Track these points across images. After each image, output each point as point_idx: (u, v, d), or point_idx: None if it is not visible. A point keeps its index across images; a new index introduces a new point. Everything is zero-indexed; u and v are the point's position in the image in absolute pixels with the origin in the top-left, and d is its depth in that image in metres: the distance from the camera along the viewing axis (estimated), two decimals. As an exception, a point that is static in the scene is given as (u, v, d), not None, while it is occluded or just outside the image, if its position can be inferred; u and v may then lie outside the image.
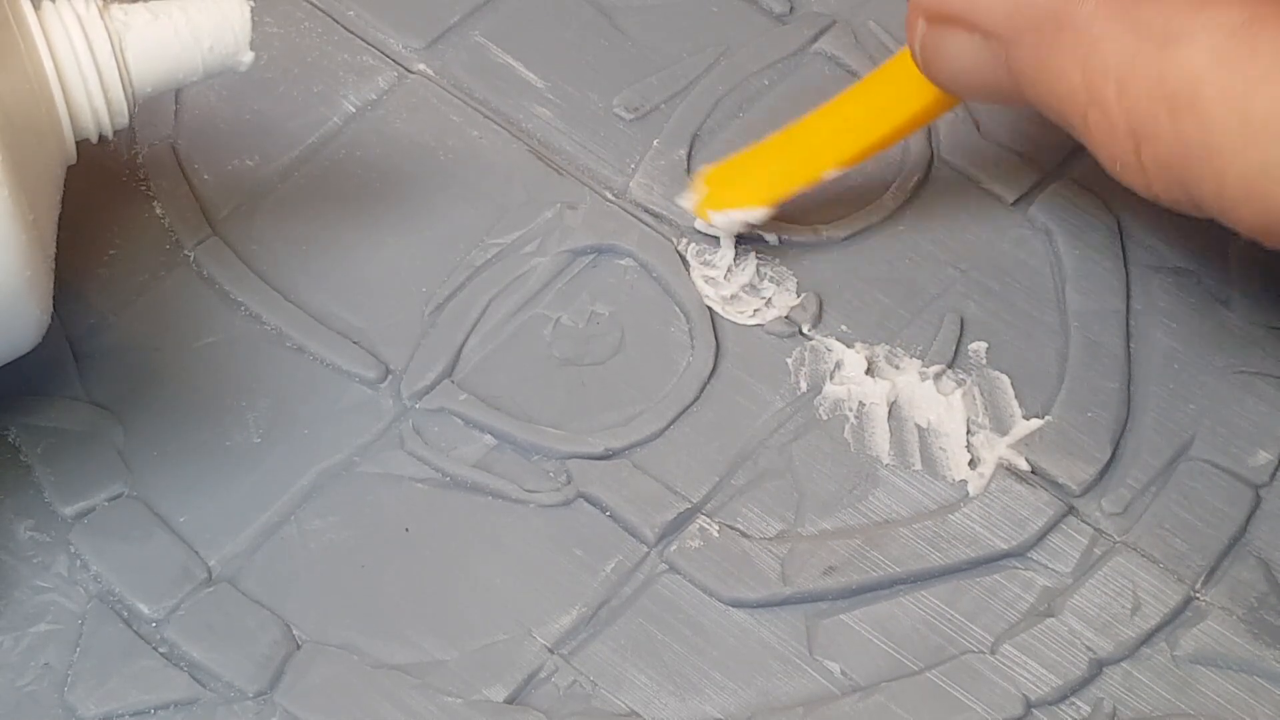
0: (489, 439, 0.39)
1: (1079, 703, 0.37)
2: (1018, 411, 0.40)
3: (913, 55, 0.38)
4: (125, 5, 0.36)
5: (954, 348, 0.40)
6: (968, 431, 0.39)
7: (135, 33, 0.36)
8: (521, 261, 0.41)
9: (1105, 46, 0.34)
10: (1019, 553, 0.38)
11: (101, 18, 0.35)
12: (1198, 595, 0.38)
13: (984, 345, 0.40)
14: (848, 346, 0.40)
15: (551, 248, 0.41)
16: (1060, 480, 0.39)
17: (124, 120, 0.36)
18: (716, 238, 0.42)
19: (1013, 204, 0.42)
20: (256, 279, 0.41)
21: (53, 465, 0.38)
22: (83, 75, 0.35)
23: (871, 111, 0.40)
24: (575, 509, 0.39)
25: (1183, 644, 0.37)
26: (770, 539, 0.38)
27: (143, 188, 0.42)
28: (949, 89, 0.38)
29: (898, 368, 0.40)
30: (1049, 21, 0.34)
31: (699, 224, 0.42)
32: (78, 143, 0.36)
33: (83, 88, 0.35)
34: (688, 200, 0.42)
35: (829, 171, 0.40)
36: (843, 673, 0.37)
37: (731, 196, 0.41)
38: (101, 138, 0.36)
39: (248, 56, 0.36)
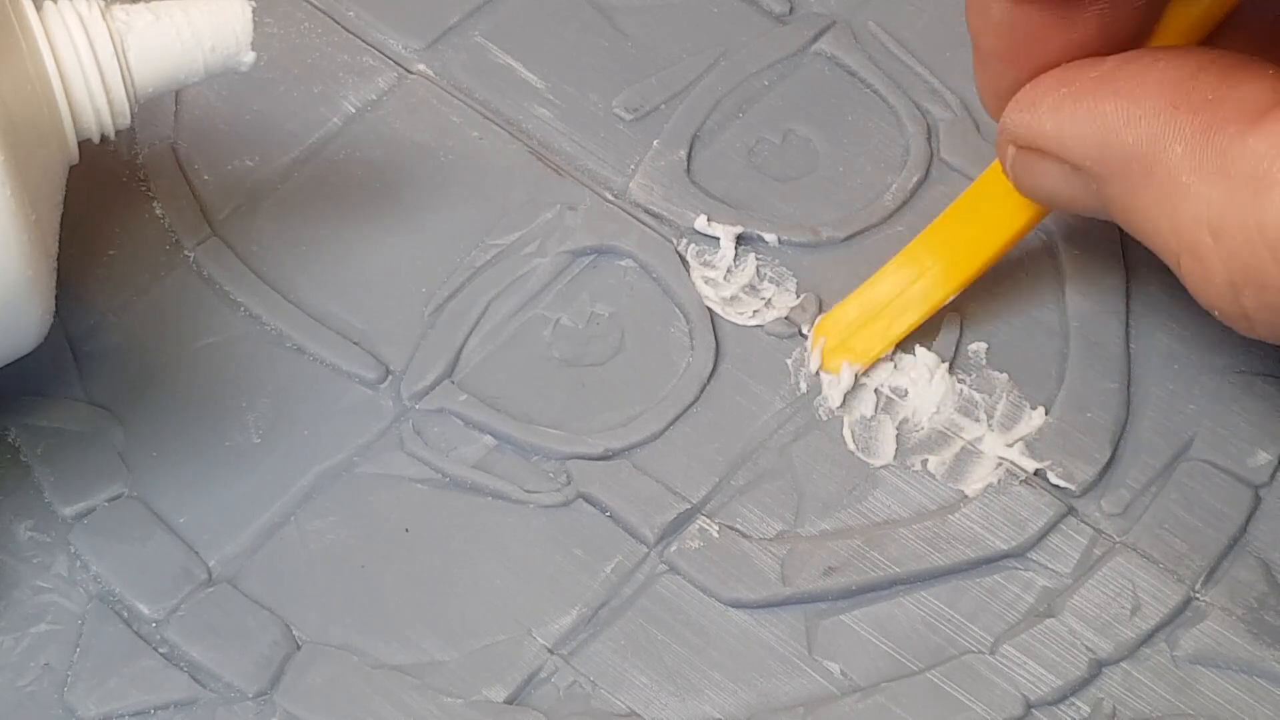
0: (489, 439, 0.39)
1: (1079, 703, 0.37)
2: (1018, 412, 0.40)
3: (1005, 172, 0.37)
4: (127, 6, 0.36)
5: (954, 348, 0.40)
6: (967, 432, 0.39)
7: (137, 33, 0.36)
8: (521, 262, 0.41)
9: (1195, 192, 0.32)
10: (1019, 553, 0.38)
11: (103, 18, 0.35)
12: (1197, 595, 0.38)
13: (984, 345, 0.40)
14: (847, 347, 0.40)
15: (551, 248, 0.41)
16: (1060, 480, 0.39)
17: (126, 121, 0.36)
18: (716, 238, 0.42)
19: (1012, 204, 0.42)
20: (256, 279, 0.41)
21: (53, 465, 0.38)
22: (85, 76, 0.35)
23: (975, 230, 0.39)
24: (575, 509, 0.39)
25: (1183, 644, 0.37)
26: (770, 539, 0.38)
27: (143, 188, 0.42)
28: (1044, 205, 0.38)
29: (898, 368, 0.40)
30: (1136, 164, 0.33)
31: (698, 224, 0.42)
32: (79, 143, 0.36)
33: (85, 88, 0.35)
34: (813, 359, 0.40)
35: (946, 301, 0.40)
36: (843, 673, 0.37)
37: (857, 346, 0.40)
38: (103, 138, 0.36)
39: (249, 57, 0.36)
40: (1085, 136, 0.34)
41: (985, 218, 0.39)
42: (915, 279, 0.40)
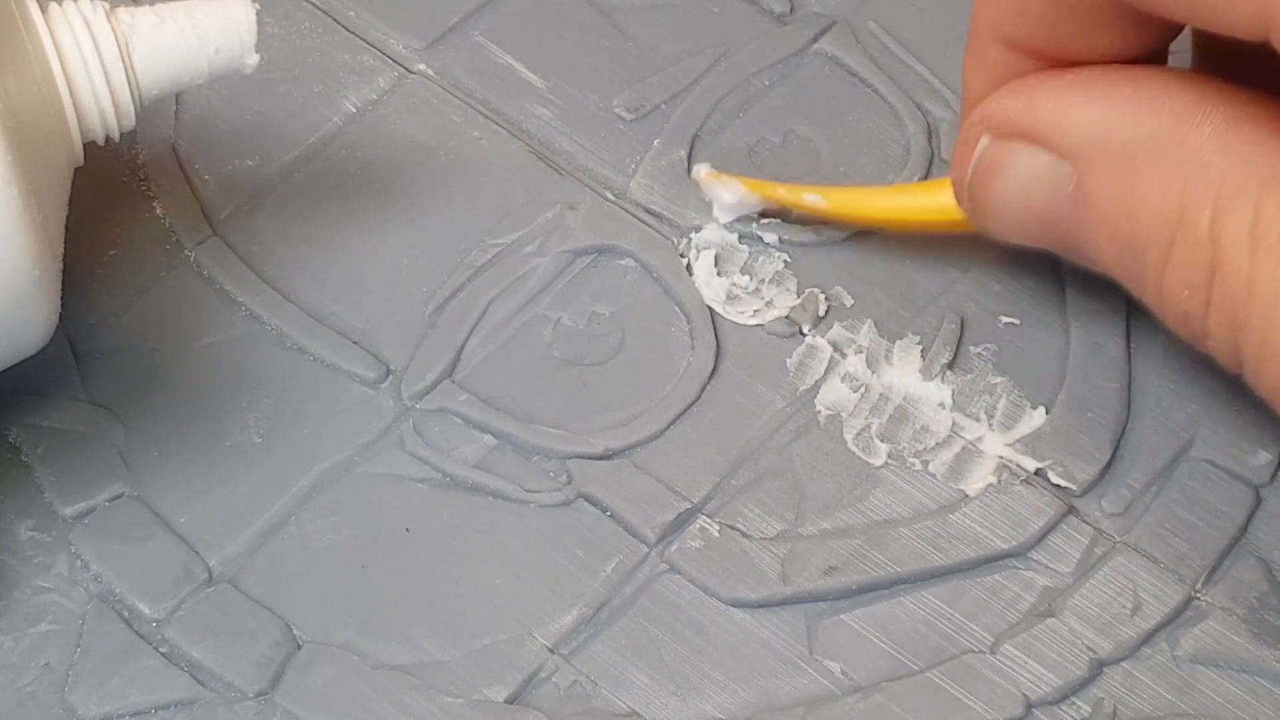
0: (489, 439, 0.39)
1: (1079, 703, 0.37)
2: (1018, 411, 0.40)
3: (958, 176, 0.37)
4: (131, 8, 0.36)
5: (954, 348, 0.40)
6: (968, 431, 0.39)
7: (141, 35, 0.36)
8: (522, 262, 0.41)
9: (1210, 173, 0.32)
10: (1019, 553, 0.38)
11: (108, 21, 0.35)
12: (1198, 595, 0.38)
13: (985, 345, 0.40)
14: (848, 346, 0.40)
15: (552, 248, 0.41)
16: (1060, 480, 0.39)
17: (130, 123, 0.36)
18: (717, 238, 0.42)
19: (1012, 204, 0.42)
20: (257, 279, 0.41)
21: (53, 465, 0.38)
22: (90, 78, 0.35)
23: (893, 199, 0.41)
24: (576, 509, 0.39)
25: (1183, 644, 0.37)
26: (770, 539, 0.38)
27: (143, 188, 0.42)
28: (990, 215, 0.37)
29: (897, 367, 0.40)
30: (1148, 145, 0.33)
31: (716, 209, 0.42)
32: (84, 144, 0.36)
33: (90, 90, 0.35)
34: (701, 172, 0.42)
35: (813, 197, 0.41)
36: (843, 673, 0.37)
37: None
38: (107, 139, 0.36)
39: (253, 59, 0.36)
40: (1088, 121, 0.34)
41: (906, 198, 0.40)
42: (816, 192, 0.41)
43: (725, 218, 0.42)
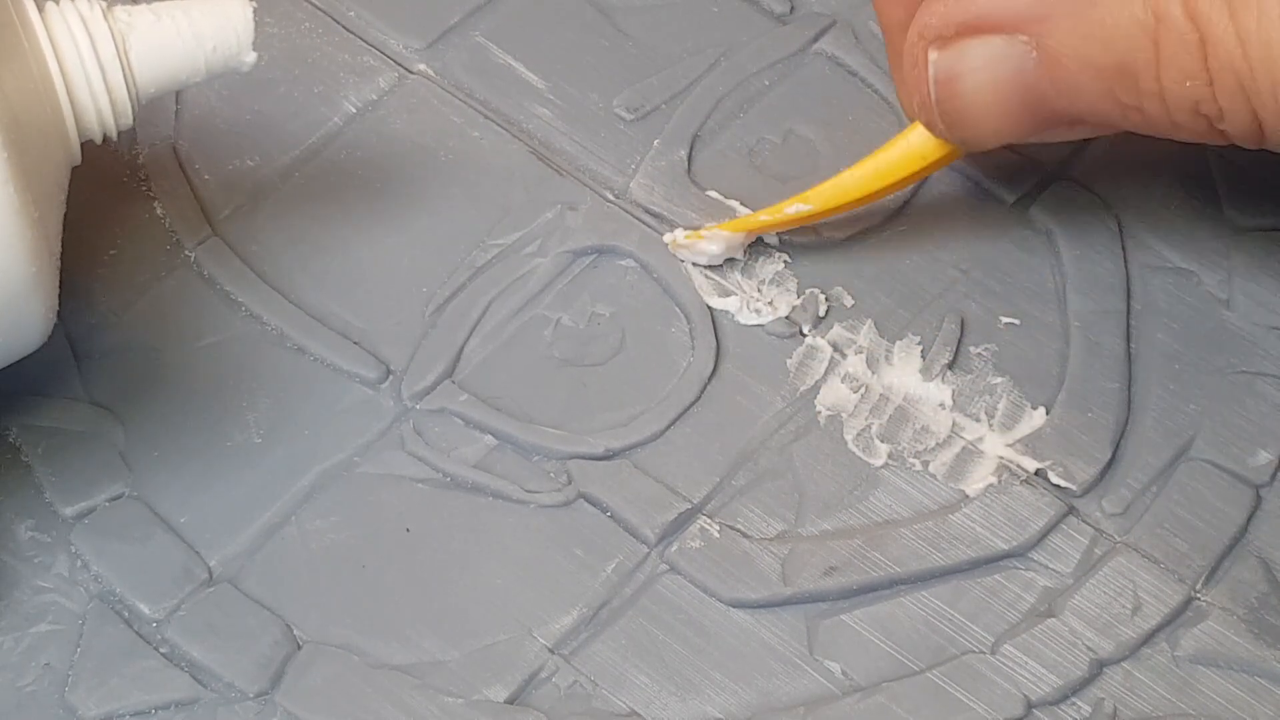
0: (489, 439, 0.39)
1: (1080, 703, 0.37)
2: (1018, 411, 0.40)
3: (921, 100, 0.37)
4: (129, 6, 0.36)
5: (954, 348, 0.40)
6: (968, 432, 0.39)
7: (139, 34, 0.36)
8: (522, 262, 0.41)
9: None
10: (1019, 553, 0.38)
11: (105, 19, 0.35)
12: (1198, 595, 0.38)
13: (985, 345, 0.40)
14: (848, 346, 0.40)
15: (552, 248, 0.41)
16: (1060, 480, 0.39)
17: (128, 121, 0.36)
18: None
19: (1013, 204, 0.42)
20: (257, 279, 0.41)
21: (53, 465, 0.38)
22: (87, 76, 0.35)
23: (871, 167, 0.40)
24: (576, 509, 0.39)
25: (1183, 644, 0.37)
26: (771, 539, 0.38)
27: (143, 188, 0.42)
28: (967, 122, 0.37)
29: (897, 368, 0.40)
30: None
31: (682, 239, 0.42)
32: (82, 143, 0.36)
33: (87, 89, 0.35)
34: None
35: (796, 207, 0.40)
36: (843, 673, 0.37)
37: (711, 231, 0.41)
38: (105, 138, 0.36)
39: (250, 57, 0.36)
40: None
41: (884, 161, 0.40)
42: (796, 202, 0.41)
43: (715, 263, 0.41)
